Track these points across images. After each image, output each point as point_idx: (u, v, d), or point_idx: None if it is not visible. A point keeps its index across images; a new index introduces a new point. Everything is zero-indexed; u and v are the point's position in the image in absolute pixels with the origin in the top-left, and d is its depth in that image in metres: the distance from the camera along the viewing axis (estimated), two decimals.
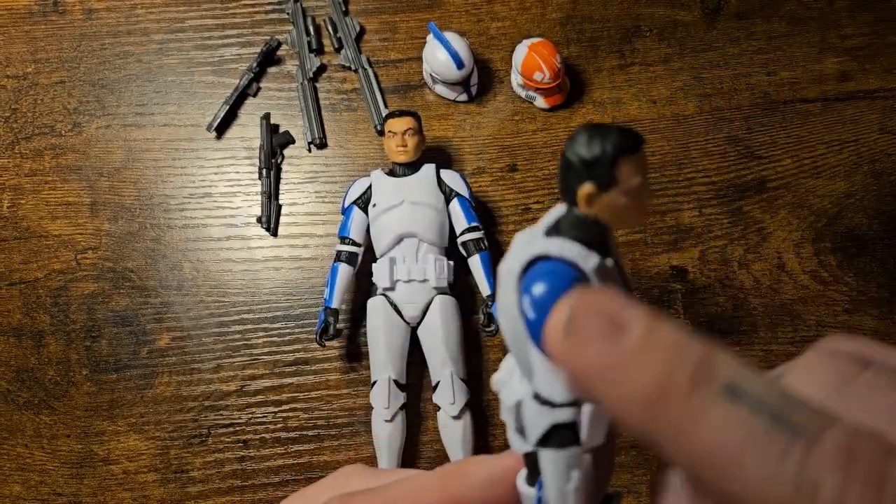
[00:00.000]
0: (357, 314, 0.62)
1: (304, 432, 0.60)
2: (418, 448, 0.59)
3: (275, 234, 0.65)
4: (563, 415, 0.18)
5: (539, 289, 0.18)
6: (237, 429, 0.60)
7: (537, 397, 0.18)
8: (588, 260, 0.20)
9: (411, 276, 0.56)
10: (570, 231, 0.21)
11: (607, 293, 0.18)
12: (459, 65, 0.62)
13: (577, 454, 0.18)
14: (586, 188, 0.21)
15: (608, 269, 0.21)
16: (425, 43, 0.65)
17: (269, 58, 0.69)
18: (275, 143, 0.66)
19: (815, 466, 0.13)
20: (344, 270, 0.58)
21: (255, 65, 0.68)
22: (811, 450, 0.14)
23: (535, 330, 0.18)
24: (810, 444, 0.14)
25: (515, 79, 0.66)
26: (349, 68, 0.68)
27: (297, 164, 0.67)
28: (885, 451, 0.13)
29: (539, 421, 0.18)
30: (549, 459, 0.18)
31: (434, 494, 0.20)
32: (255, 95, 0.68)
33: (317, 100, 0.68)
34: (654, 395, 0.15)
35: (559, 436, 0.18)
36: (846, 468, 0.13)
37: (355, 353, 0.62)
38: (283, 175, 0.67)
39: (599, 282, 0.20)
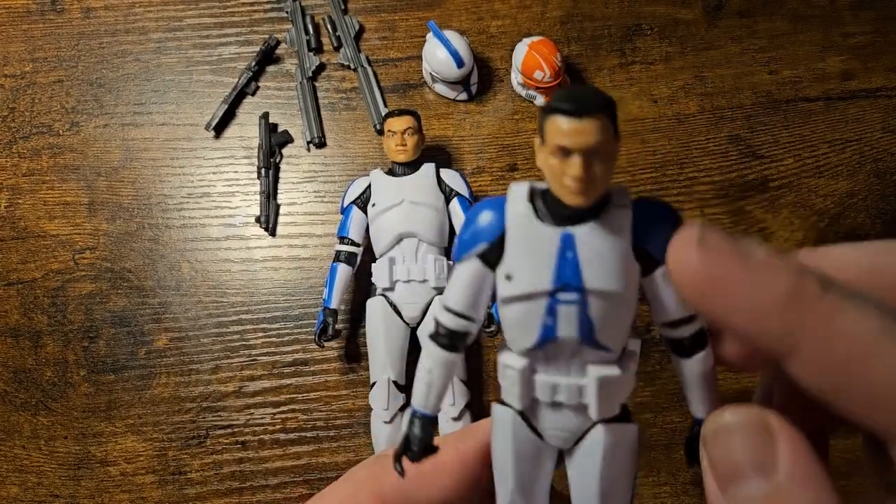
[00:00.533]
0: (356, 314, 0.62)
1: (303, 433, 0.60)
2: None
3: (273, 233, 0.64)
4: None
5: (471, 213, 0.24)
6: (235, 430, 0.60)
7: None
8: (515, 204, 0.24)
9: (411, 277, 0.56)
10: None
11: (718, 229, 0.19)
12: (459, 63, 0.62)
13: None
14: (536, 140, 0.23)
15: (530, 225, 0.24)
16: (425, 41, 0.65)
17: (267, 56, 0.68)
18: (273, 143, 0.66)
19: None
20: (343, 270, 0.57)
21: (253, 64, 0.67)
22: None
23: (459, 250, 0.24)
24: None
25: (515, 78, 0.66)
26: (348, 67, 0.68)
27: (296, 163, 0.66)
28: None
29: None
30: None
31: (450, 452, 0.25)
32: (253, 94, 0.68)
33: (316, 99, 0.67)
34: (791, 297, 0.17)
35: None
36: None
37: (354, 354, 0.61)
38: (281, 174, 0.66)
39: (513, 232, 0.24)
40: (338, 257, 0.58)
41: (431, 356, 0.27)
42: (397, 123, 0.58)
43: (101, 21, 0.70)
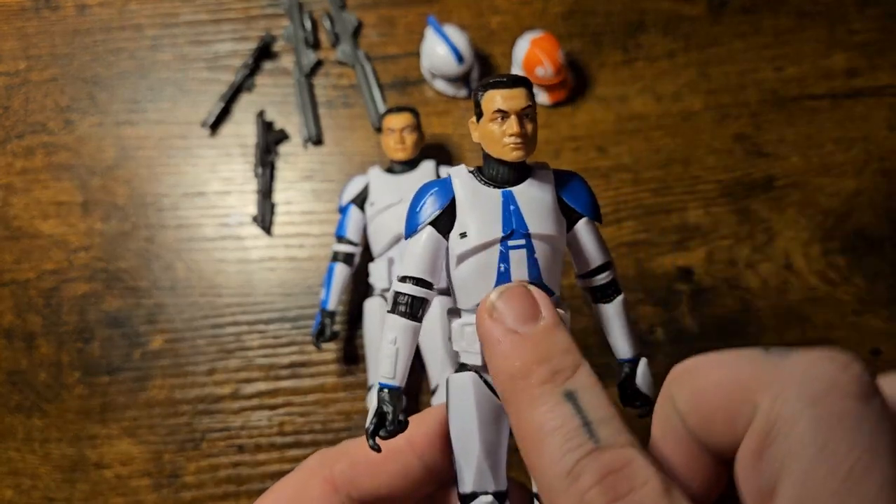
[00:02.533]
0: (354, 315, 0.61)
1: (300, 437, 0.59)
2: None
3: (270, 233, 0.64)
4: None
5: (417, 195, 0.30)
6: (231, 433, 0.59)
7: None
8: (458, 176, 0.30)
9: None
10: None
11: (533, 291, 0.26)
12: (459, 59, 0.61)
13: None
14: (472, 121, 0.30)
15: (475, 189, 0.30)
16: (424, 37, 0.64)
17: (264, 53, 0.67)
18: (270, 141, 0.65)
19: (584, 465, 0.18)
20: (341, 271, 0.56)
21: (250, 60, 0.66)
22: (590, 454, 0.18)
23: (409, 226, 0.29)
24: (595, 451, 0.18)
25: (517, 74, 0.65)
26: (346, 64, 0.67)
27: (293, 161, 0.66)
28: (641, 482, 0.17)
29: None
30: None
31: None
32: (250, 91, 0.67)
33: (313, 96, 0.66)
34: (518, 374, 0.22)
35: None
36: (603, 477, 0.17)
37: (352, 356, 0.60)
38: (278, 173, 0.65)
39: (461, 195, 0.29)
40: (335, 257, 0.57)
41: (395, 326, 0.30)
42: (396, 121, 0.57)
43: (96, 18, 0.69)
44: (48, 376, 0.61)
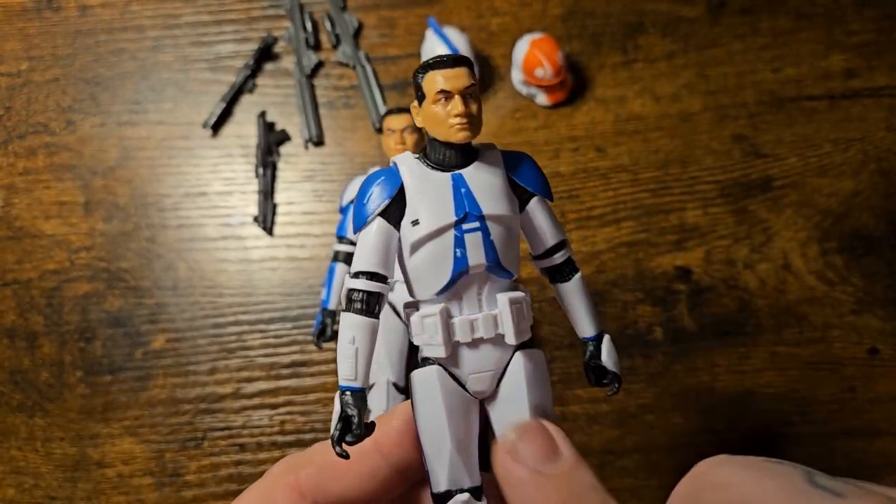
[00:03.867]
0: None
1: (301, 436, 0.59)
2: None
3: (271, 233, 0.64)
4: None
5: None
6: (233, 432, 0.59)
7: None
8: (405, 163, 0.29)
9: None
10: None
11: (549, 427, 0.26)
12: None
13: None
14: (414, 105, 0.29)
15: (424, 175, 0.28)
16: (424, 38, 0.64)
17: (265, 54, 0.68)
18: (271, 141, 0.65)
19: None
20: (342, 271, 0.57)
21: (251, 61, 0.67)
22: None
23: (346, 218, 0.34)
24: None
25: (516, 75, 0.65)
26: (347, 65, 0.67)
27: (294, 162, 0.66)
28: None
29: None
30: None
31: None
32: (251, 92, 0.67)
33: (314, 97, 0.67)
34: None
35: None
36: None
37: None
38: (279, 173, 0.66)
39: (409, 182, 0.28)
40: (336, 257, 0.57)
41: (352, 325, 0.29)
42: (396, 121, 0.57)
43: (98, 19, 0.70)
44: (50, 376, 0.61)
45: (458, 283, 0.29)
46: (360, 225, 0.29)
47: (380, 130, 0.61)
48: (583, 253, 0.62)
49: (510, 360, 0.30)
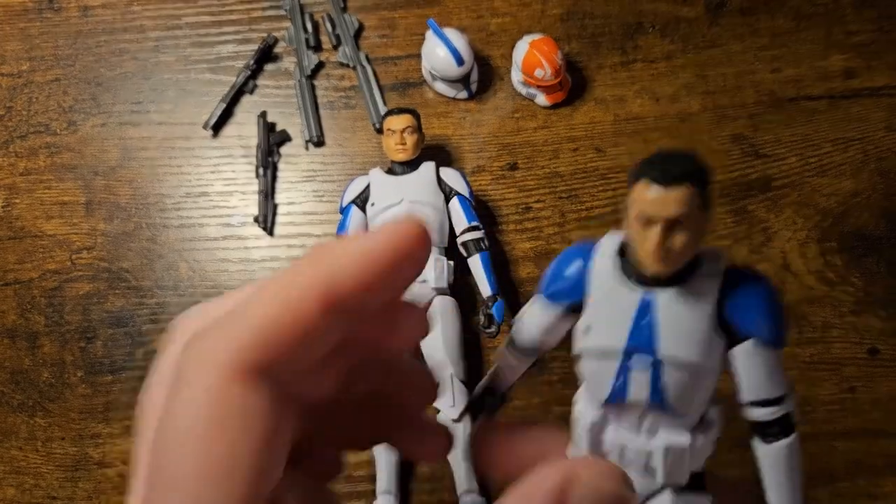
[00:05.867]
0: None
1: None
2: None
3: (272, 233, 0.64)
4: None
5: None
6: None
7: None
8: (603, 259, 0.24)
9: None
10: None
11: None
12: (459, 61, 0.61)
13: None
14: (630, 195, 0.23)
15: (614, 282, 0.23)
16: (425, 39, 0.64)
17: (266, 55, 0.68)
18: (272, 142, 0.65)
19: None
20: None
21: (252, 62, 0.67)
22: None
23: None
24: None
25: (516, 76, 0.65)
26: (347, 65, 0.68)
27: (295, 162, 0.66)
28: None
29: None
30: None
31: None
32: (251, 93, 0.68)
33: (314, 97, 0.67)
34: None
35: None
36: None
37: None
38: (280, 174, 0.66)
39: (595, 286, 0.23)
40: None
41: (503, 357, 0.27)
42: (397, 122, 0.57)
43: (99, 19, 0.70)
44: (51, 376, 0.62)
45: (616, 404, 0.25)
46: (544, 297, 0.25)
47: (380, 131, 0.61)
48: None
49: (658, 493, 0.26)
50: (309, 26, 0.68)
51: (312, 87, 0.67)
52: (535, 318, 0.26)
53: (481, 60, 0.67)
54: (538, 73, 0.62)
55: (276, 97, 0.68)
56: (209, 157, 0.66)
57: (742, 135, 0.65)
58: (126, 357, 0.61)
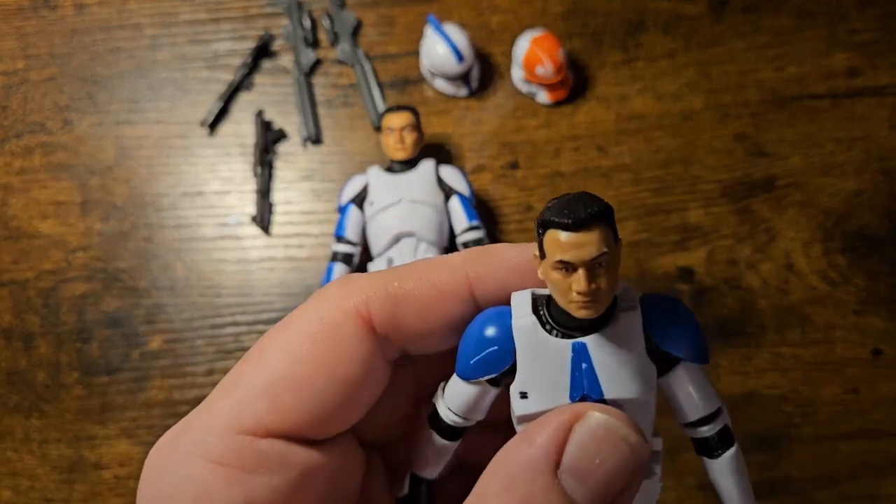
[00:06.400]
0: None
1: None
2: None
3: (269, 233, 0.63)
4: None
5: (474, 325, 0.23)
6: None
7: None
8: (520, 311, 0.23)
9: None
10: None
11: None
12: (459, 58, 0.61)
13: None
14: (534, 251, 0.23)
15: (539, 340, 0.23)
16: (424, 36, 0.64)
17: (263, 52, 0.67)
18: (269, 140, 0.65)
19: None
20: (340, 270, 0.56)
21: (249, 59, 0.66)
22: None
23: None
24: None
25: (517, 73, 0.65)
26: (346, 63, 0.67)
27: (292, 161, 0.65)
28: None
29: None
30: None
31: (460, 273, 0.22)
32: (249, 91, 0.67)
33: (312, 95, 0.66)
34: None
35: None
36: None
37: None
38: (277, 172, 0.65)
39: (522, 348, 0.23)
40: (335, 257, 0.57)
41: (433, 441, 0.26)
42: (396, 120, 0.57)
43: (95, 17, 0.69)
44: (47, 376, 0.61)
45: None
46: (463, 376, 0.24)
47: (379, 129, 0.61)
48: None
49: None
50: (307, 23, 0.67)
51: (310, 85, 0.66)
52: (460, 396, 0.24)
53: (482, 57, 0.66)
54: (539, 70, 0.61)
55: (274, 95, 0.67)
56: (206, 156, 0.66)
57: (745, 133, 0.64)
58: (122, 358, 0.61)
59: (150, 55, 0.68)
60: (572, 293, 0.21)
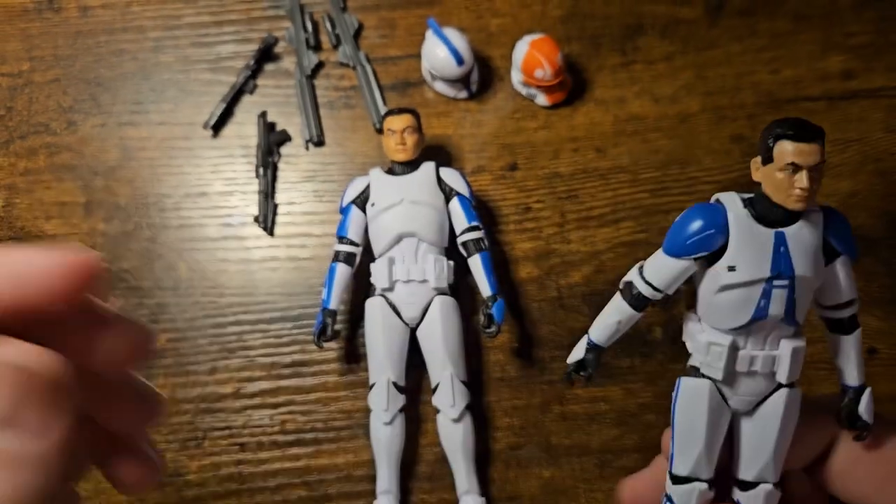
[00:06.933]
0: (355, 315, 0.61)
1: (302, 435, 0.59)
2: (417, 451, 0.58)
3: (272, 233, 0.64)
4: None
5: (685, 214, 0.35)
6: (234, 432, 0.59)
7: None
8: (732, 206, 0.35)
9: (410, 277, 0.55)
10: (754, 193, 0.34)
11: None
12: (459, 61, 0.62)
13: None
14: (755, 160, 0.35)
15: (750, 227, 0.34)
16: (424, 39, 0.64)
17: (266, 55, 0.68)
18: (272, 141, 0.66)
19: None
20: (342, 270, 0.57)
21: (252, 62, 0.67)
22: None
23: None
24: None
25: (516, 76, 0.66)
26: (347, 65, 0.68)
27: (295, 162, 0.66)
28: None
29: None
30: None
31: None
32: (251, 93, 0.68)
33: (314, 97, 0.67)
34: None
35: None
36: None
37: (354, 355, 0.61)
38: (280, 174, 0.66)
39: (735, 231, 0.34)
40: (337, 257, 0.57)
41: (622, 311, 0.38)
42: (397, 122, 0.57)
43: (99, 20, 0.70)
44: None
45: (752, 325, 0.35)
46: (674, 253, 0.35)
47: (380, 131, 0.61)
48: (582, 253, 0.62)
49: (773, 391, 0.36)
50: (309, 26, 0.68)
51: (312, 87, 0.67)
52: (664, 271, 0.36)
53: (481, 60, 0.67)
54: (538, 73, 0.62)
55: (276, 97, 0.68)
56: (209, 157, 0.66)
57: (741, 135, 0.65)
58: None
59: (153, 57, 0.69)
60: (794, 189, 0.32)
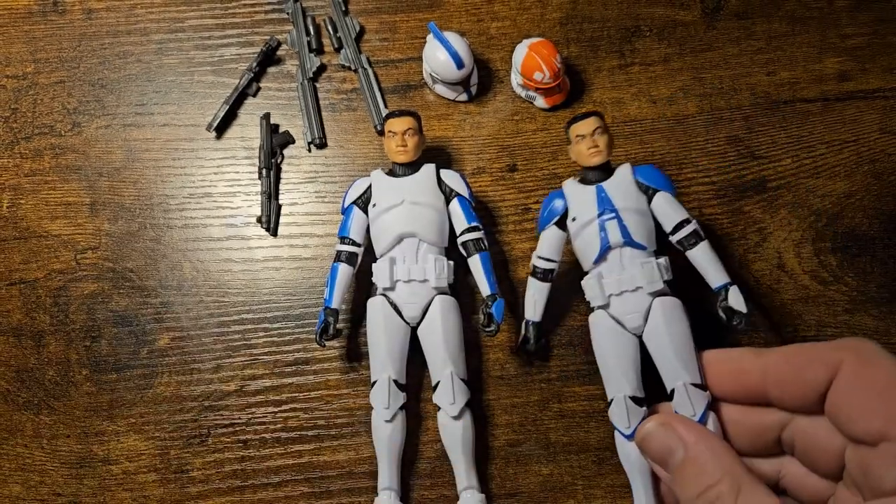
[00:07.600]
0: (357, 314, 0.62)
1: (304, 432, 0.60)
2: (418, 448, 0.59)
3: (275, 233, 0.65)
4: None
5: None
6: (237, 429, 0.60)
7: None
8: (567, 183, 0.53)
9: (411, 276, 0.56)
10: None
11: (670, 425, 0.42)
12: (459, 65, 0.62)
13: None
14: (568, 148, 0.53)
15: (579, 189, 0.52)
16: (425, 43, 0.65)
17: (268, 57, 0.69)
18: (274, 143, 0.66)
19: None
20: (344, 270, 0.58)
21: (254, 64, 0.68)
22: None
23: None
24: None
25: (515, 79, 0.66)
26: (349, 68, 0.68)
27: (297, 163, 0.67)
28: None
29: None
30: None
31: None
32: (254, 95, 0.68)
33: (317, 99, 0.68)
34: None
35: None
36: None
37: (355, 353, 0.62)
38: (282, 175, 0.67)
39: (570, 196, 0.52)
40: (339, 257, 0.58)
41: (534, 286, 0.54)
42: (398, 124, 0.58)
43: (103, 22, 0.71)
44: (56, 374, 0.62)
45: (607, 254, 0.49)
46: (542, 227, 0.53)
47: (381, 133, 0.62)
48: None
49: (650, 305, 0.48)
50: (311, 29, 0.69)
51: (314, 90, 0.68)
52: (548, 242, 0.52)
53: (481, 64, 0.68)
54: (537, 75, 0.62)
55: (279, 99, 0.68)
56: (212, 159, 0.67)
57: (737, 136, 0.66)
58: (130, 355, 0.62)
59: (157, 59, 0.69)
60: (588, 150, 0.50)
